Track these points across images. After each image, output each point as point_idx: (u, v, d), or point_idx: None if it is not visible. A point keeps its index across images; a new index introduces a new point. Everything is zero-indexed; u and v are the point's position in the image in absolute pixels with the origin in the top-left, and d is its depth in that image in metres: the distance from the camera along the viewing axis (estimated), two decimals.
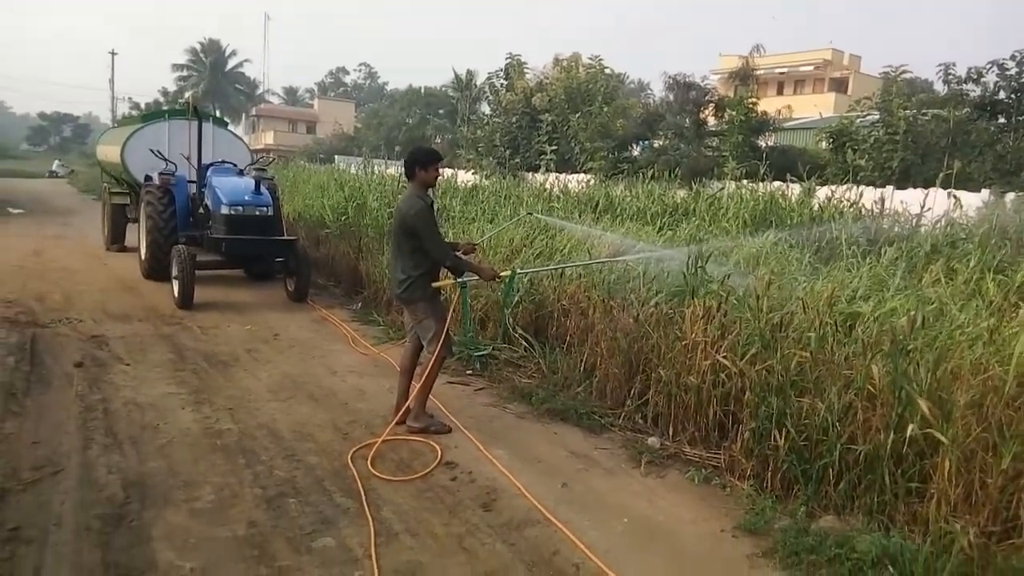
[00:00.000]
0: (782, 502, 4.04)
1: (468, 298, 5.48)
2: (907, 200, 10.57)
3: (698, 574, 3.45)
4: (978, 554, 3.15)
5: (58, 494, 3.86)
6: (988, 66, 13.95)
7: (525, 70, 25.27)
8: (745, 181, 13.06)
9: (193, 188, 10.14)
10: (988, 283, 5.66)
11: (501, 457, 4.66)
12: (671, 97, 19.47)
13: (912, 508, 3.59)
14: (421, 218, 4.75)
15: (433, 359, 4.93)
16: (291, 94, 78.59)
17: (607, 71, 23.22)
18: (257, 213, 8.94)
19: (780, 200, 10.72)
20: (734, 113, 17.89)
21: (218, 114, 63.13)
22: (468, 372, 6.52)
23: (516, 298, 6.93)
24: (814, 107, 28.97)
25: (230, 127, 13.14)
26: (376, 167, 18.22)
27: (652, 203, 12.36)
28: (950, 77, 14.62)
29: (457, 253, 5.19)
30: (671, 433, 4.97)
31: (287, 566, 3.33)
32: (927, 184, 13.60)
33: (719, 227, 9.79)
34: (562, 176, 19.19)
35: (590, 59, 23.53)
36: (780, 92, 43.19)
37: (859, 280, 6.01)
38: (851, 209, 9.99)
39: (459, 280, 5.06)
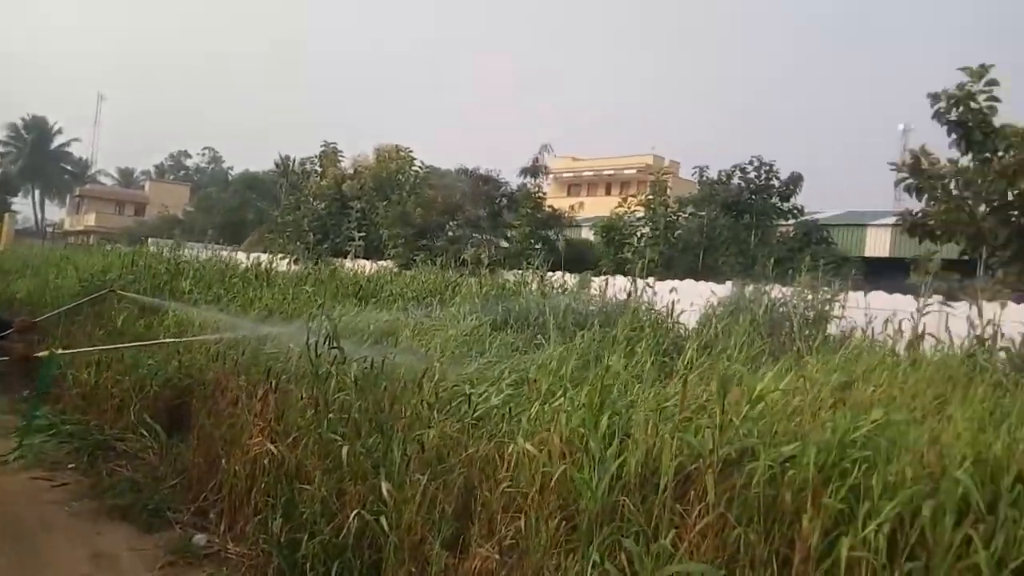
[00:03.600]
0: None
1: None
2: (660, 290, 10.96)
3: None
4: None
5: None
6: (733, 170, 15.08)
7: (340, 157, 25.25)
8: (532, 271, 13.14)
9: None
10: (648, 363, 5.70)
11: None
12: (467, 189, 19.88)
13: None
14: None
15: None
16: (127, 175, 75.08)
17: (417, 162, 23.52)
18: None
19: (511, 287, 10.85)
20: (526, 208, 18.50)
21: (37, 194, 59.66)
22: (70, 465, 5.77)
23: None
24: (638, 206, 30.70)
25: None
26: (187, 250, 17.45)
27: (411, 289, 12.23)
28: (704, 179, 15.67)
29: (7, 334, 4.61)
30: (224, 528, 4.45)
31: None
32: (686, 276, 14.37)
33: (446, 308, 9.69)
34: (364, 262, 19.04)
35: (400, 150, 23.79)
36: (608, 192, 45.67)
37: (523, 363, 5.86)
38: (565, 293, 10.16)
39: None
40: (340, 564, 3.35)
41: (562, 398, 3.99)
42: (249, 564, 3.87)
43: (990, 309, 7.07)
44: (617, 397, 3.62)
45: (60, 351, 5.23)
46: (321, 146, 25.72)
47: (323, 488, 3.67)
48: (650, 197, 15.89)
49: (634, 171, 44.70)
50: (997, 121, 11.62)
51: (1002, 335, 6.68)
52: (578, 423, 3.47)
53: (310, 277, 13.77)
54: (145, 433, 5.90)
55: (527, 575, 2.81)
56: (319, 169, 26.05)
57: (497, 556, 2.87)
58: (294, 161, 29.01)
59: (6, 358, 4.54)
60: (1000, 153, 11.48)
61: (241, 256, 18.40)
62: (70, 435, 6.15)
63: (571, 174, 47.00)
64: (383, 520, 3.21)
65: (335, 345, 5.51)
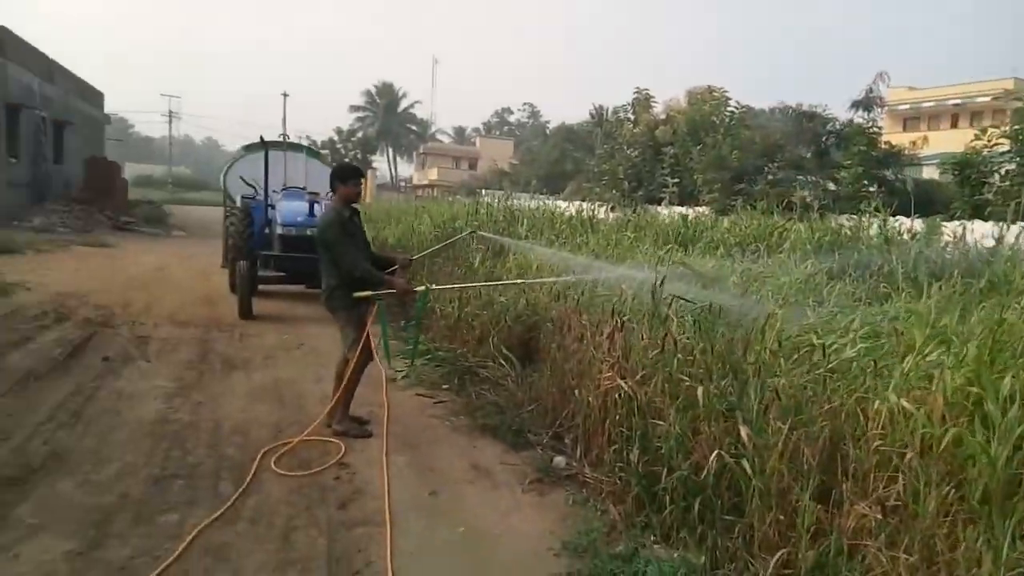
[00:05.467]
0: (637, 527, 3.85)
1: (384, 310, 5.56)
2: None
3: None
4: None
5: None
6: None
7: (652, 103, 25.19)
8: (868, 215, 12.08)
9: (271, 211, 11.03)
10: None
11: (397, 463, 4.78)
12: (788, 128, 18.64)
13: (727, 540, 3.33)
14: (332, 231, 5.04)
15: (351, 365, 5.15)
16: (460, 133, 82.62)
17: (731, 103, 22.56)
18: (308, 233, 9.59)
19: (847, 233, 10.06)
20: (858, 146, 16.84)
21: (390, 152, 68.24)
22: (444, 386, 6.66)
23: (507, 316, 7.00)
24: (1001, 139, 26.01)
25: (320, 158, 14.19)
26: (516, 199, 18.78)
27: (732, 235, 11.96)
28: None
29: (392, 269, 5.42)
30: (580, 453, 4.85)
31: (115, 531, 3.66)
32: None
33: (773, 255, 9.33)
34: (679, 208, 19.00)
35: (715, 91, 22.99)
36: (954, 125, 39.77)
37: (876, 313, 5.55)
38: (916, 241, 9.15)
39: (375, 293, 5.21)
40: (701, 501, 3.47)
41: (937, 353, 3.69)
42: (608, 490, 4.18)
43: None
44: (1015, 356, 3.23)
45: (433, 287, 5.99)
46: (634, 93, 25.89)
47: (677, 426, 3.81)
48: (1016, 128, 13.51)
49: (987, 99, 38.23)
50: None
51: None
52: (963, 382, 3.18)
53: (630, 223, 14.11)
54: (503, 362, 6.59)
55: (915, 540, 2.66)
56: (632, 117, 26.26)
57: (879, 516, 2.76)
58: (607, 111, 29.64)
59: (392, 291, 5.32)
60: None
61: (562, 204, 19.35)
62: (442, 360, 7.11)
63: (907, 106, 41.64)
64: (745, 463, 3.25)
65: (676, 294, 5.60)
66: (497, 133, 77.49)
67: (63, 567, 3.32)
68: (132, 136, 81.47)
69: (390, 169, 69.99)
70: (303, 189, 11.11)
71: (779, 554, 2.92)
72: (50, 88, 24.44)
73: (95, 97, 31.99)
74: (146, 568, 3.34)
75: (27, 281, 10.74)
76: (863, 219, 11.10)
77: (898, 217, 11.54)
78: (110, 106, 35.41)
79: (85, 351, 7.26)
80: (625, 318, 4.97)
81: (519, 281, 6.92)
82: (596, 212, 16.92)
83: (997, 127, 15.35)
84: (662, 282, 5.47)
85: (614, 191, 23.86)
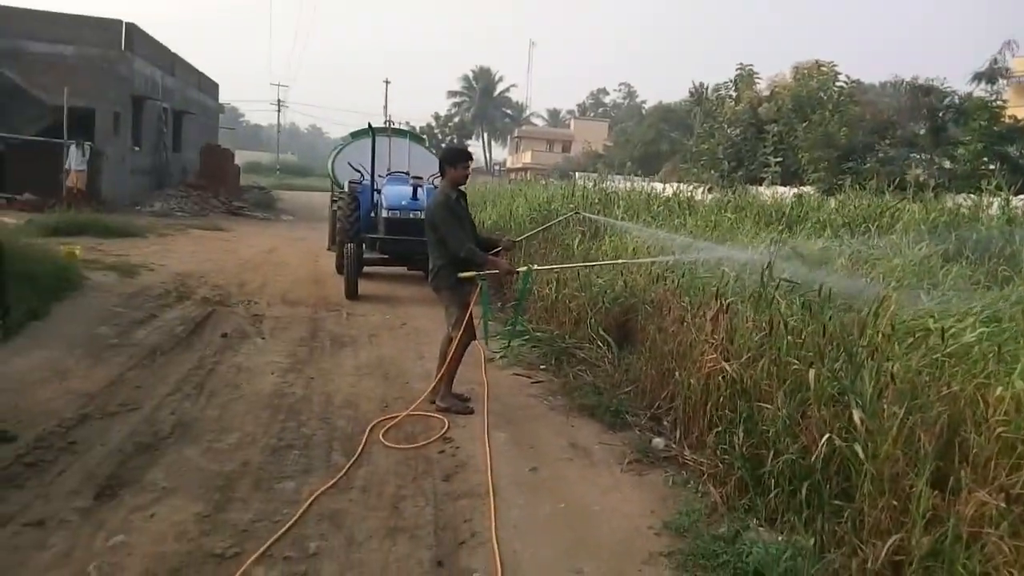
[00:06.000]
0: (739, 510, 3.82)
1: (487, 290, 5.63)
2: None
3: (582, 560, 3.44)
4: None
5: (121, 424, 4.82)
6: None
7: (756, 79, 24.38)
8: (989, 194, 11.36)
9: (376, 195, 11.36)
10: None
11: (498, 439, 4.90)
12: (901, 103, 17.67)
13: (834, 525, 3.26)
14: (440, 212, 5.17)
15: (455, 344, 5.29)
16: (554, 116, 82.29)
17: (840, 78, 21.55)
18: (411, 216, 9.86)
19: (965, 213, 9.51)
20: (978, 121, 15.79)
21: (485, 136, 68.86)
22: (542, 367, 6.74)
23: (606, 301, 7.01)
24: None
25: (424, 143, 14.50)
26: (608, 181, 18.56)
27: (840, 215, 11.51)
28: None
29: (495, 250, 5.52)
30: (680, 435, 4.83)
31: (238, 496, 3.92)
32: None
33: (883, 236, 8.95)
34: (781, 188, 18.39)
35: (823, 65, 22.02)
36: None
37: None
38: None
39: (479, 273, 5.31)
40: (809, 485, 3.41)
41: None
42: (709, 472, 4.15)
43: None
44: None
45: (535, 267, 6.07)
46: (736, 69, 25.10)
47: (784, 409, 3.74)
48: None
49: None
50: None
51: None
52: None
53: (730, 204, 13.73)
54: (600, 344, 6.61)
55: None
56: (733, 94, 25.47)
57: (1002, 504, 2.64)
58: (707, 88, 28.87)
59: (495, 271, 5.43)
60: None
61: (658, 186, 19.05)
62: (539, 341, 7.19)
63: None
64: (857, 447, 3.16)
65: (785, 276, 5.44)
66: (592, 115, 76.76)
67: (193, 528, 3.57)
68: (242, 124, 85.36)
69: (484, 153, 70.68)
70: (406, 173, 11.39)
71: (892, 540, 2.85)
72: (171, 80, 25.85)
73: (211, 88, 33.59)
74: (267, 531, 3.56)
75: (150, 263, 11.47)
76: (983, 198, 10.49)
77: (1022, 196, 10.83)
78: (222, 96, 37.10)
79: (205, 328, 7.72)
80: (728, 300, 4.89)
81: (620, 261, 6.91)
82: (693, 193, 16.61)
83: None
84: (769, 264, 5.37)
85: (712, 171, 23.30)
